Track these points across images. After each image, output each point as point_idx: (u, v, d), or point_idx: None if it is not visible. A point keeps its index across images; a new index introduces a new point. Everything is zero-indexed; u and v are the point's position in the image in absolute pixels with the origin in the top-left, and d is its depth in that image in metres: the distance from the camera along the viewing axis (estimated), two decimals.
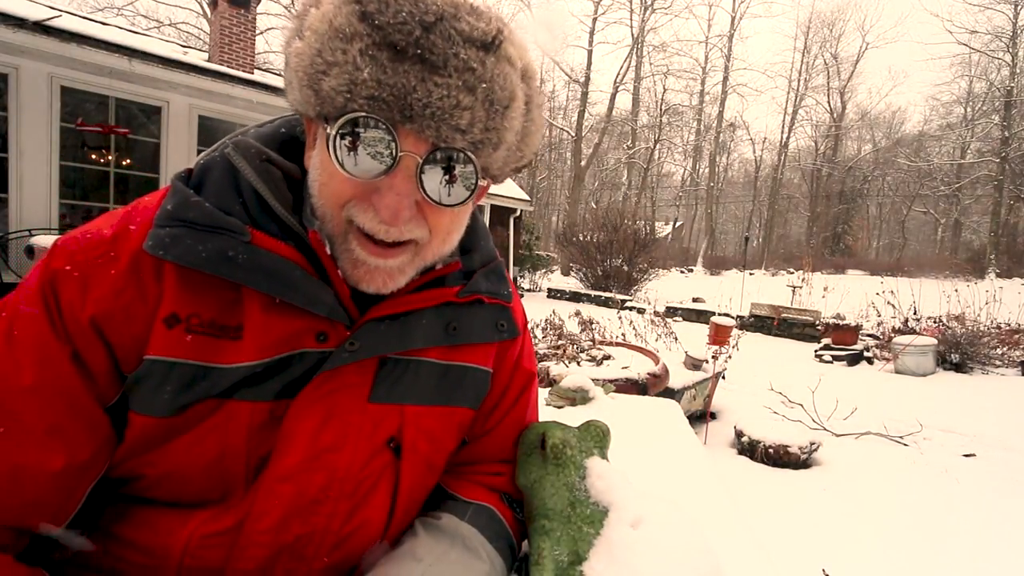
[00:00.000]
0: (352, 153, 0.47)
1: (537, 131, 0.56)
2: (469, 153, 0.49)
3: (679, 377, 3.99)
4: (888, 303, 8.37)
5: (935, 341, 6.94)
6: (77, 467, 0.50)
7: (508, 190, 13.56)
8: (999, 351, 7.25)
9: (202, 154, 0.56)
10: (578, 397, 1.88)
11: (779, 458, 3.48)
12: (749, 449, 3.63)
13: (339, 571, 0.60)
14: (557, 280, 17.56)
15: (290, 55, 0.49)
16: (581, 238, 15.21)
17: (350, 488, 0.58)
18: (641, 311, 8.52)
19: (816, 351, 7.84)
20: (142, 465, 0.53)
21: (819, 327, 9.21)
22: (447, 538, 0.62)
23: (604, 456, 0.71)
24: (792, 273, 17.71)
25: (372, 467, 0.59)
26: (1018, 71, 27.50)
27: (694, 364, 4.35)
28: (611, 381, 2.83)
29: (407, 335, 0.58)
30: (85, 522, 0.56)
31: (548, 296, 14.13)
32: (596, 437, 0.71)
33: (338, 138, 0.46)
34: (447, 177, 0.49)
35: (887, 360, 7.20)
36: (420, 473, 0.64)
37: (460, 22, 0.46)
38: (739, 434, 3.73)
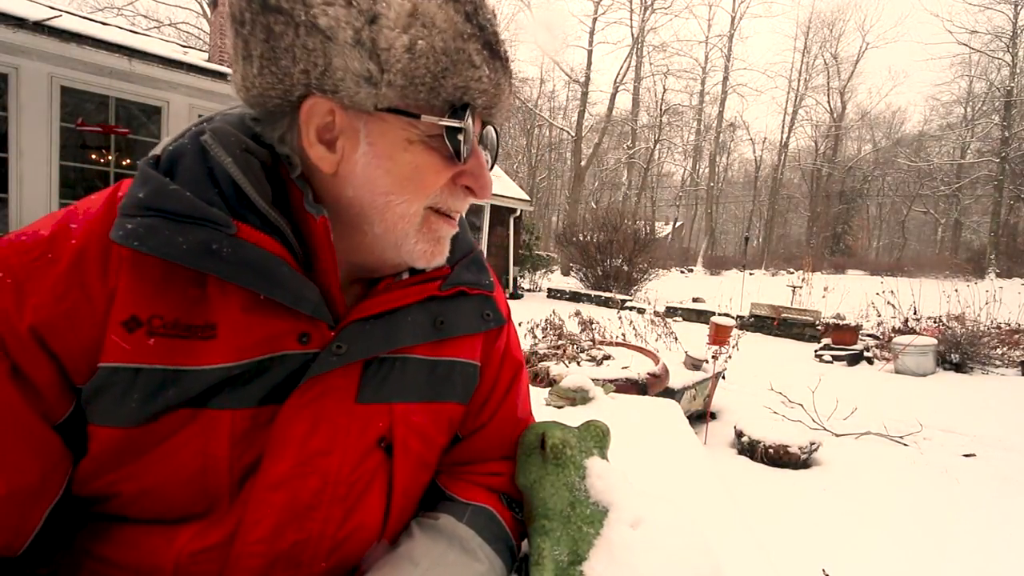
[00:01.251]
0: (462, 144, 0.51)
1: None
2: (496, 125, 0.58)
3: (679, 377, 3.98)
4: (888, 303, 8.36)
5: (935, 341, 6.93)
6: (23, 492, 0.46)
7: (508, 190, 13.52)
8: (999, 351, 7.24)
9: (167, 140, 0.53)
10: (578, 397, 1.88)
11: (779, 458, 3.48)
12: (749, 449, 3.63)
13: (338, 574, 0.60)
14: (557, 280, 17.53)
15: (394, 50, 0.45)
16: (581, 238, 15.15)
17: (343, 491, 0.57)
18: (641, 311, 8.51)
19: (816, 351, 7.83)
20: (117, 482, 0.50)
21: (819, 327, 9.20)
22: (445, 540, 0.62)
23: (604, 456, 0.70)
24: (792, 273, 17.74)
25: (364, 468, 0.58)
26: (1018, 71, 27.51)
27: (694, 364, 4.34)
28: (611, 381, 2.83)
29: (394, 334, 0.57)
30: (57, 543, 0.53)
31: (548, 296, 14.11)
32: (596, 437, 0.71)
33: (457, 132, 0.50)
34: (490, 146, 0.59)
35: (887, 360, 7.20)
36: (413, 471, 0.63)
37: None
38: (739, 434, 3.73)
